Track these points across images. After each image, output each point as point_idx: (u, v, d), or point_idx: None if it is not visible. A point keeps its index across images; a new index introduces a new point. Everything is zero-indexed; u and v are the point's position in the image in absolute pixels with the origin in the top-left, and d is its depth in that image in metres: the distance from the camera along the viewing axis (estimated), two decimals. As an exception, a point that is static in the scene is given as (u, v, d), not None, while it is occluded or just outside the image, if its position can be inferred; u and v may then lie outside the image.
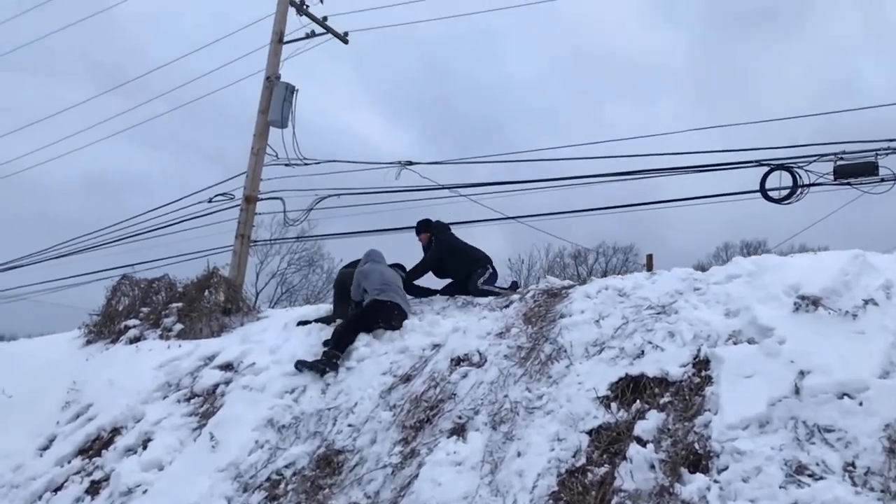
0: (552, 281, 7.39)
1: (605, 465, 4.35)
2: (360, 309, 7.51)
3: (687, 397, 4.61)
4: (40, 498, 6.47)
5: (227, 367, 7.41)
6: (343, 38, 12.60)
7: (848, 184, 9.10)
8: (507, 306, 6.99)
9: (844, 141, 9.16)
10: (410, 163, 11.36)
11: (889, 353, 4.31)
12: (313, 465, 5.57)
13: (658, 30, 67.46)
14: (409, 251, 9.06)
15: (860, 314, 4.68)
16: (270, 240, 21.88)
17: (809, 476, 3.70)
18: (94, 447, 6.88)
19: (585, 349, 5.53)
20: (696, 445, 4.18)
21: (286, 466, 5.60)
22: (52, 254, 14.39)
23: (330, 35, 12.39)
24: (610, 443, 4.51)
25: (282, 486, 5.44)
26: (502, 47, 65.95)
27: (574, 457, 4.51)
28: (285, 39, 12.06)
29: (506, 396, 5.34)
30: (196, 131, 56.41)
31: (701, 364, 4.85)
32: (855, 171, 8.97)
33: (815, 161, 9.20)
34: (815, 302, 4.84)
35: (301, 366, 6.77)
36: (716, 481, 3.89)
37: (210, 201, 12.01)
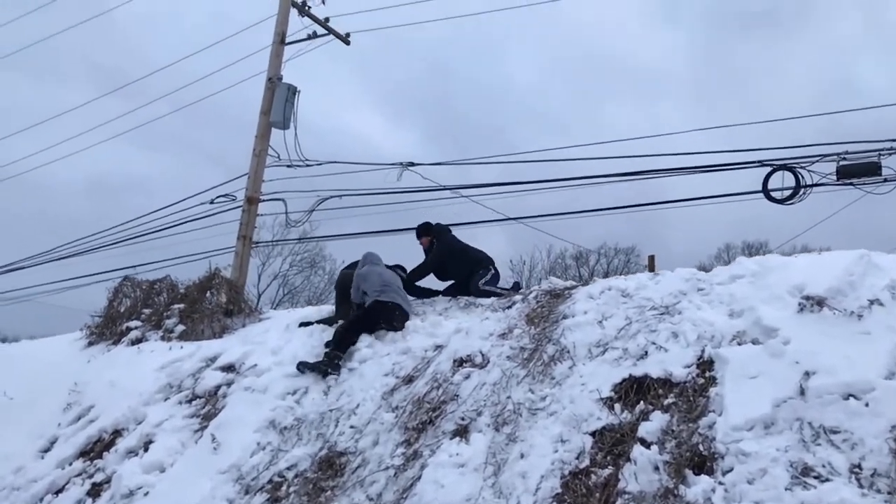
0: (555, 281, 7.37)
1: (609, 467, 4.32)
2: (362, 310, 7.49)
3: (691, 398, 4.58)
4: (41, 500, 6.45)
5: (228, 368, 7.39)
6: (345, 39, 12.60)
7: (851, 184, 9.07)
8: (509, 307, 6.96)
9: (847, 141, 9.15)
10: (412, 164, 11.35)
11: (895, 354, 4.28)
12: (315, 466, 5.54)
13: (658, 31, 67.45)
14: (411, 252, 9.05)
15: (865, 314, 4.64)
16: (272, 241, 21.92)
17: (815, 478, 3.67)
18: (95, 449, 6.86)
19: (588, 350, 5.50)
20: (701, 447, 4.15)
21: (288, 468, 5.58)
22: (54, 255, 14.40)
23: (332, 36, 12.40)
24: (614, 444, 4.48)
25: (284, 488, 5.42)
26: (503, 48, 65.97)
27: (577, 458, 4.48)
28: (287, 40, 12.07)
29: (508, 398, 5.31)
30: (198, 133, 56.61)
31: (705, 365, 4.82)
32: (858, 171, 8.94)
33: (817, 161, 9.18)
34: (819, 302, 4.81)
35: (303, 367, 6.75)
36: (721, 483, 3.85)
37: (212, 202, 12.03)
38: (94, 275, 13.38)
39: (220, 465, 5.77)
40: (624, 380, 4.97)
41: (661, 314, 5.56)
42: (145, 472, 6.05)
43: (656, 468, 4.13)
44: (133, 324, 9.42)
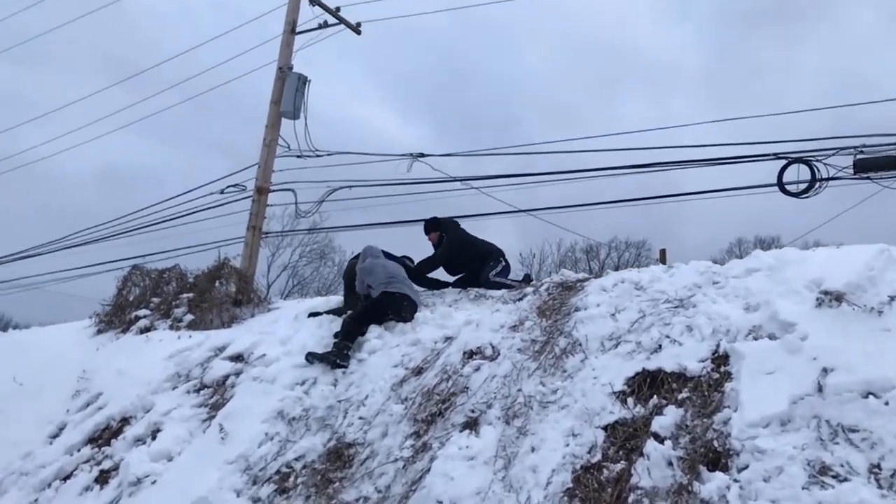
0: (567, 274, 7.28)
1: (622, 462, 4.26)
2: (370, 301, 7.44)
3: (706, 393, 4.50)
4: (49, 486, 6.44)
5: (237, 358, 7.36)
6: (356, 29, 12.52)
7: (868, 178, 8.95)
8: (520, 299, 6.90)
9: (865, 134, 9.01)
10: (422, 155, 11.27)
11: (916, 352, 4.18)
12: (323, 457, 5.50)
13: (671, 25, 66.99)
14: (421, 244, 8.97)
15: (886, 310, 4.53)
16: (282, 231, 21.90)
17: (833, 477, 3.59)
18: (103, 436, 6.85)
19: (601, 343, 5.43)
20: (716, 443, 4.07)
21: (296, 459, 5.54)
22: (64, 244, 14.44)
23: (342, 25, 12.32)
24: (626, 439, 4.41)
25: (291, 478, 5.38)
26: (515, 40, 65.68)
27: (589, 453, 4.42)
28: (298, 30, 12.01)
29: (519, 390, 5.25)
30: (209, 123, 56.60)
31: (720, 359, 4.74)
32: (875, 164, 8.80)
33: (834, 154, 9.04)
34: (838, 297, 4.70)
35: (312, 358, 6.71)
36: (736, 480, 3.78)
37: (222, 192, 12.00)
38: (103, 263, 13.41)
39: (228, 455, 5.73)
40: (637, 373, 4.90)
41: (676, 307, 5.47)
42: (153, 461, 6.02)
43: (670, 464, 4.06)
44: (142, 312, 9.41)
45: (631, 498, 3.98)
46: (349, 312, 7.46)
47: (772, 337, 4.69)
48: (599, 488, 4.15)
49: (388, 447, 5.30)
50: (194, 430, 6.38)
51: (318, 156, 11.57)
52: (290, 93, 11.33)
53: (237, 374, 7.01)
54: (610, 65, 64.62)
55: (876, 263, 4.93)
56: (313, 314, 7.94)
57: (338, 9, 12.13)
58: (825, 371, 4.15)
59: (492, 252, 8.49)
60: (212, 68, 14.21)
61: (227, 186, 11.90)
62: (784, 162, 9.18)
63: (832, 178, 9.06)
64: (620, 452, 4.34)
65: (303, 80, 11.49)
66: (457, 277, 8.60)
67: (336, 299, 8.69)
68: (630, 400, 4.71)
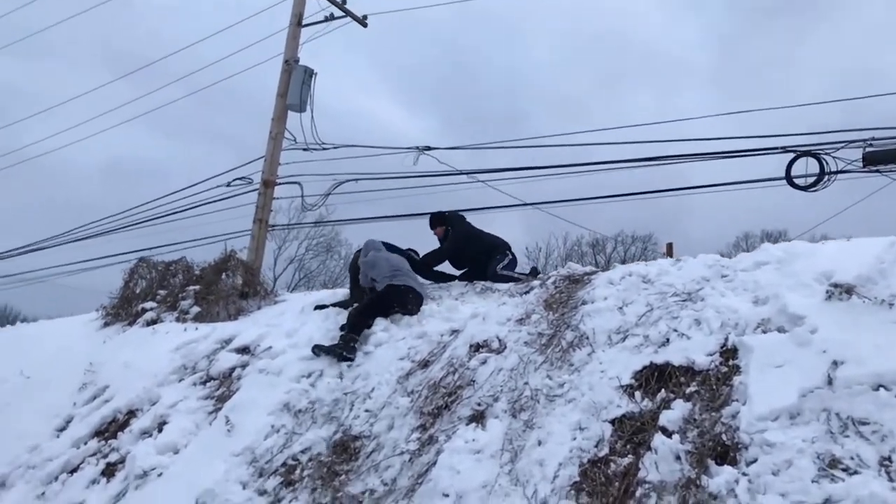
0: (574, 267, 7.25)
1: (629, 456, 4.23)
2: (375, 294, 7.42)
3: (714, 387, 4.46)
4: (56, 479, 6.44)
5: (243, 350, 7.36)
6: (362, 22, 12.49)
7: (877, 171, 8.89)
8: (527, 292, 6.87)
9: (874, 127, 8.95)
10: (429, 148, 11.25)
11: (927, 344, 4.14)
12: (329, 450, 5.50)
13: (680, 18, 66.65)
14: (428, 237, 8.94)
15: (896, 303, 4.49)
16: (288, 224, 21.94)
17: (843, 470, 3.55)
18: (109, 429, 6.85)
19: (608, 336, 5.40)
20: (724, 437, 4.04)
21: (302, 451, 5.53)
22: (71, 237, 14.48)
23: (349, 18, 12.29)
24: (634, 433, 4.38)
25: (297, 471, 5.37)
26: (522, 32, 65.49)
27: (596, 446, 4.39)
28: (304, 22, 11.98)
29: (526, 384, 5.23)
30: (214, 116, 56.61)
31: (729, 353, 4.70)
32: (885, 157, 8.74)
33: (842, 147, 8.98)
34: (848, 290, 4.65)
35: (319, 350, 6.70)
36: (744, 474, 3.74)
37: (228, 185, 12.01)
38: (110, 256, 13.46)
39: (234, 447, 5.73)
40: (645, 367, 4.86)
41: (684, 301, 5.44)
42: (159, 453, 6.02)
43: (678, 458, 4.02)
44: (148, 305, 9.42)
45: (638, 492, 3.95)
46: (355, 305, 7.44)
47: (781, 330, 4.65)
48: (607, 482, 4.12)
49: (395, 440, 5.28)
50: (200, 422, 6.38)
51: (324, 149, 11.56)
52: (296, 86, 11.32)
53: (243, 366, 7.00)
54: (617, 58, 64.37)
55: (886, 256, 4.88)
56: (319, 307, 7.94)
57: (344, 1, 12.13)
58: (835, 364, 4.10)
59: (498, 245, 8.46)
60: (217, 61, 14.22)
61: (234, 179, 11.92)
62: (792, 155, 9.13)
63: (841, 172, 9.01)
64: (628, 446, 4.31)
65: (309, 73, 11.48)
66: (463, 271, 8.58)
67: (342, 292, 8.69)
68: (638, 394, 4.68)
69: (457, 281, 8.38)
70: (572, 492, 4.15)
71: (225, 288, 9.43)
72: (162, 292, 9.65)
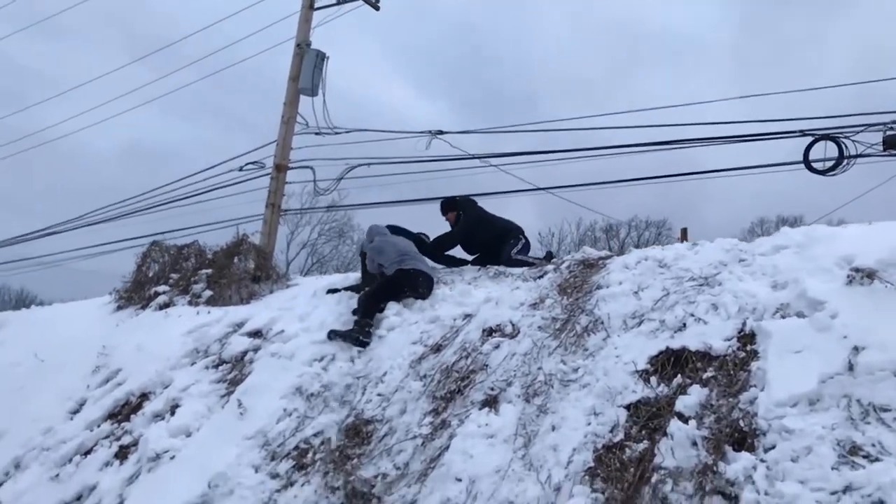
0: (588, 251, 7.17)
1: (645, 441, 4.17)
2: (385, 278, 7.36)
3: (731, 372, 4.39)
4: (70, 461, 6.46)
5: (255, 334, 7.35)
6: (374, 5, 12.37)
7: (897, 155, 8.75)
8: (541, 277, 6.81)
9: (894, 110, 8.79)
10: (441, 132, 11.18)
11: (951, 330, 4.04)
12: (342, 434, 5.47)
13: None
14: (440, 222, 8.88)
15: (920, 288, 4.39)
16: (301, 209, 21.93)
17: (864, 457, 3.48)
18: (122, 412, 6.87)
19: (623, 321, 5.33)
20: (742, 423, 3.97)
21: (314, 435, 5.51)
22: (85, 221, 14.55)
23: (361, 1, 12.17)
24: (649, 418, 4.32)
25: (310, 454, 5.36)
26: (536, 15, 64.98)
27: (611, 432, 4.34)
28: (316, 5, 11.88)
29: (539, 368, 5.18)
30: (229, 99, 56.67)
31: (746, 338, 4.62)
32: (905, 141, 8.59)
33: (862, 131, 8.84)
34: (870, 275, 4.55)
35: (334, 335, 6.66)
36: (762, 461, 3.68)
37: (241, 170, 12.00)
38: (124, 240, 13.50)
39: (246, 430, 5.72)
40: (661, 352, 4.80)
41: (701, 285, 5.36)
42: (172, 436, 6.02)
43: (694, 443, 3.97)
44: (161, 288, 9.42)
45: (654, 478, 3.90)
46: (366, 290, 7.40)
47: (800, 315, 4.57)
48: (622, 468, 4.07)
49: (407, 424, 5.25)
50: (213, 405, 6.38)
51: (336, 133, 11.50)
52: (308, 69, 11.24)
53: (255, 349, 6.99)
54: (633, 39, 63.79)
55: (910, 240, 4.78)
56: (332, 291, 7.91)
57: (356, -17, 12.00)
58: (856, 349, 4.02)
59: (511, 230, 8.38)
60: (231, 44, 14.18)
61: (246, 164, 11.90)
62: (811, 139, 9.00)
63: (860, 156, 8.87)
64: (643, 432, 4.26)
65: (321, 57, 11.39)
66: (475, 256, 8.51)
67: (354, 276, 8.64)
68: (653, 379, 4.62)
69: (469, 265, 8.32)
70: (587, 477, 4.10)
71: (237, 272, 9.42)
72: (174, 276, 9.65)
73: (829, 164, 8.92)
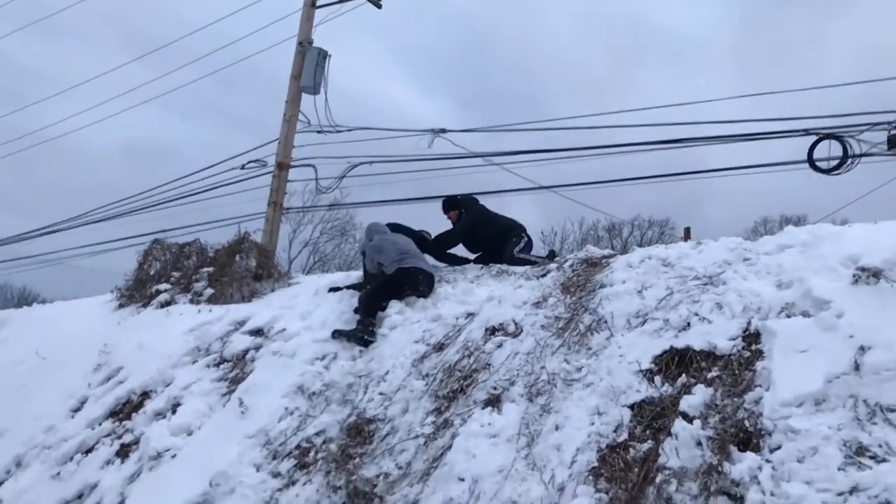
0: (592, 250, 7.14)
1: (649, 441, 4.14)
2: (385, 277, 7.33)
3: (736, 372, 4.36)
4: (71, 459, 6.44)
5: (257, 332, 7.32)
6: (376, 3, 12.32)
7: (903, 154, 8.71)
8: (544, 275, 6.78)
9: (899, 110, 8.74)
10: (443, 130, 11.14)
11: (958, 330, 4.01)
12: (343, 433, 5.45)
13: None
14: (442, 221, 8.85)
15: (926, 288, 4.36)
16: (303, 207, 21.89)
17: (871, 458, 3.45)
18: (124, 410, 6.84)
19: (627, 320, 5.30)
20: (747, 423, 3.94)
21: (316, 434, 5.49)
22: (87, 219, 14.52)
23: (363, -1, 12.13)
24: (653, 418, 4.29)
25: (311, 453, 5.33)
26: (539, 13, 64.91)
27: (615, 431, 4.31)
28: (318, 3, 11.83)
29: (543, 368, 5.15)
30: (230, 98, 56.65)
31: (751, 337, 4.59)
32: (910, 141, 8.56)
33: (867, 130, 8.80)
34: (876, 274, 4.52)
35: (339, 335, 6.62)
36: (768, 461, 3.65)
37: (243, 168, 11.95)
38: (125, 238, 13.47)
39: (248, 429, 5.69)
40: (665, 351, 4.77)
41: (705, 284, 5.33)
42: (173, 435, 6.00)
43: (699, 443, 3.94)
44: (162, 287, 9.40)
45: (659, 478, 3.87)
46: (366, 288, 7.37)
47: (805, 314, 4.53)
48: (626, 468, 4.04)
49: (409, 423, 5.23)
50: (214, 404, 6.35)
51: (338, 131, 11.45)
52: (310, 67, 11.19)
53: (257, 348, 6.96)
54: (635, 37, 63.71)
55: (916, 240, 4.74)
56: (333, 289, 7.88)
57: (358, -18, 11.95)
58: (862, 349, 3.99)
59: (514, 227, 8.36)
60: (232, 42, 14.12)
61: (248, 162, 11.85)
62: (815, 138, 8.96)
63: (864, 155, 8.83)
64: (647, 432, 4.23)
65: (323, 55, 11.35)
66: (478, 255, 8.49)
67: (356, 274, 8.61)
68: (657, 378, 4.58)
69: (472, 264, 8.29)
70: (590, 477, 4.08)
71: (239, 270, 9.40)
72: (176, 274, 9.63)
73: (834, 163, 8.89)
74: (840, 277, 4.70)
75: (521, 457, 4.43)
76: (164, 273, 9.81)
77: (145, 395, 6.89)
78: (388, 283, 7.21)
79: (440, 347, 6.02)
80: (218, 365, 6.98)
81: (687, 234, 11.41)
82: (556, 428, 4.52)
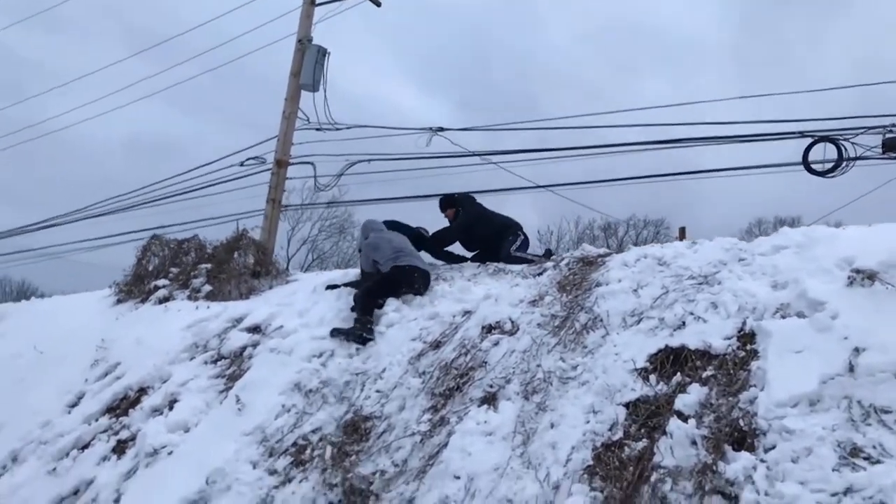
0: (588, 249, 7.17)
1: (644, 440, 4.16)
2: (381, 276, 7.34)
3: (731, 371, 4.39)
4: (67, 455, 6.44)
5: (254, 329, 7.33)
6: (376, 1, 12.33)
7: (896, 158, 8.76)
8: (540, 274, 6.80)
9: (894, 113, 8.79)
10: (441, 129, 11.16)
11: (952, 332, 4.04)
12: (340, 430, 5.46)
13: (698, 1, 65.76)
14: (439, 218, 8.87)
15: (921, 290, 4.38)
16: (302, 205, 21.89)
17: (865, 459, 3.47)
18: (121, 406, 6.85)
19: (623, 319, 5.33)
20: (741, 422, 3.96)
21: (313, 431, 5.50)
22: (86, 213, 14.52)
23: (363, -4, 12.12)
24: (648, 416, 4.31)
25: (308, 451, 5.34)
26: (538, 14, 64.93)
27: (610, 430, 4.33)
28: (318, 1, 11.83)
29: (539, 366, 5.17)
30: (230, 94, 56.58)
31: (746, 337, 4.62)
32: (905, 144, 8.60)
33: (861, 133, 8.85)
34: (871, 276, 4.54)
35: (337, 334, 6.63)
36: (762, 461, 3.67)
37: (242, 165, 11.95)
38: (124, 234, 13.49)
39: (245, 426, 5.71)
40: (660, 350, 4.79)
41: (700, 284, 5.35)
42: (170, 431, 6.01)
43: (693, 442, 3.96)
44: (161, 282, 9.40)
45: (653, 476, 3.89)
46: (362, 286, 7.39)
47: (800, 315, 4.56)
48: (621, 466, 4.06)
49: (406, 421, 5.25)
50: (211, 401, 6.36)
51: (337, 129, 11.45)
52: (309, 65, 11.19)
53: (254, 345, 6.98)
54: (634, 39, 63.72)
55: (911, 241, 4.77)
56: (331, 286, 7.89)
57: (357, -21, 11.95)
58: (857, 351, 4.02)
59: (510, 226, 8.38)
60: (233, 39, 14.11)
61: (247, 159, 11.85)
62: (810, 140, 9.01)
63: (859, 158, 8.88)
64: (642, 430, 4.25)
65: (322, 53, 11.34)
66: (474, 253, 8.51)
67: (354, 272, 8.63)
68: (652, 377, 4.61)
69: (469, 262, 8.31)
70: (585, 475, 4.09)
71: (237, 267, 9.40)
72: (174, 270, 9.63)
73: (829, 165, 8.93)
74: (835, 279, 4.73)
75: (517, 455, 4.44)
76: (163, 269, 9.80)
77: (142, 391, 6.89)
78: (383, 281, 7.22)
79: (437, 345, 6.04)
80: (215, 362, 6.99)
81: (682, 234, 11.43)
82: (552, 426, 4.54)
